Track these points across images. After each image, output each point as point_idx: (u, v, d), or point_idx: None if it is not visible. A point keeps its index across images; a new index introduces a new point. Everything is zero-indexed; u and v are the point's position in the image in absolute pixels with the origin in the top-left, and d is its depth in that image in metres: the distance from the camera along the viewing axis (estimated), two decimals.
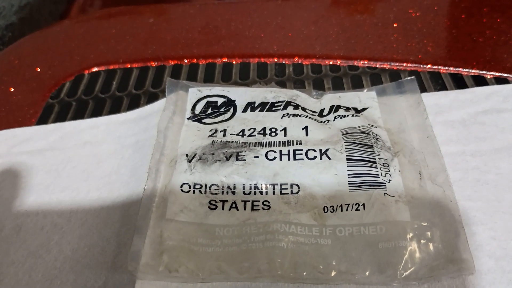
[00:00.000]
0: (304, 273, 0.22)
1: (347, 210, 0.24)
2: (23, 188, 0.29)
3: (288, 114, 0.29)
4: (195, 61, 0.37)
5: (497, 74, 0.32)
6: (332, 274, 0.22)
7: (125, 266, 0.22)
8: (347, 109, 0.29)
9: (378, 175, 0.25)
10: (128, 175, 0.28)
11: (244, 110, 0.29)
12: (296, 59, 0.36)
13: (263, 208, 0.24)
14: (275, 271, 0.22)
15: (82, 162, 0.30)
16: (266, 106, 0.29)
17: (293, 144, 0.26)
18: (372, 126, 0.28)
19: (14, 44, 0.43)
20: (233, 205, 0.24)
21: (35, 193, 0.29)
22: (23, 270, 0.25)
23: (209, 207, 0.24)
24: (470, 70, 0.32)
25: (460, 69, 0.33)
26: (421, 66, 0.33)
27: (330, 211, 0.24)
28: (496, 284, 0.21)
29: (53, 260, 0.25)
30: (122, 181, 0.28)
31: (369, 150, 0.26)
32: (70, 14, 0.61)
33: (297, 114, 0.29)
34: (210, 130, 0.28)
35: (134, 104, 0.34)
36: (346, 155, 0.25)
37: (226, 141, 0.27)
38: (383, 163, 0.25)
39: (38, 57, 0.41)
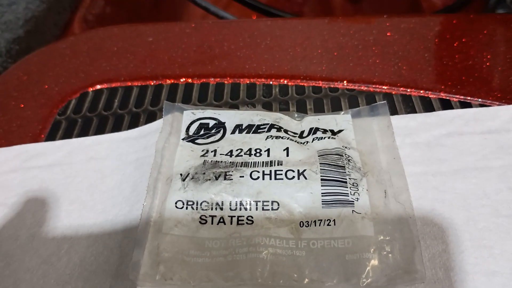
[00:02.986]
0: (281, 281, 0.26)
1: (320, 225, 0.27)
2: (35, 200, 0.33)
3: (271, 136, 0.32)
4: (190, 80, 0.40)
5: (461, 98, 0.35)
6: (305, 282, 0.26)
7: (127, 275, 0.26)
8: (325, 131, 0.33)
9: (348, 194, 0.28)
10: (129, 191, 0.31)
11: (233, 132, 0.33)
12: (282, 80, 0.39)
13: (247, 223, 0.28)
14: (256, 279, 0.26)
15: (88, 177, 0.33)
16: (252, 128, 0.33)
17: (275, 165, 0.30)
18: (346, 147, 0.31)
19: (22, 60, 0.46)
20: (221, 220, 0.28)
21: (46, 205, 0.32)
22: (37, 276, 0.28)
23: (200, 222, 0.28)
24: (438, 94, 0.36)
25: (429, 93, 0.36)
26: (395, 88, 0.37)
27: (305, 226, 0.28)
28: None
29: (63, 267, 0.28)
30: (124, 196, 0.31)
31: (341, 171, 0.29)
32: (73, 23, 0.65)
33: (280, 136, 0.32)
34: (202, 150, 0.32)
35: (134, 121, 0.38)
36: (321, 176, 0.29)
37: (216, 161, 0.31)
38: (353, 183, 0.29)
39: (45, 73, 0.44)
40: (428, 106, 0.35)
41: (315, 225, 0.28)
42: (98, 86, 0.41)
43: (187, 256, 0.27)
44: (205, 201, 0.28)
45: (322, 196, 0.28)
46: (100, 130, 0.37)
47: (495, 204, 0.28)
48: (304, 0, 1.07)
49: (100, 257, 0.28)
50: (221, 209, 0.28)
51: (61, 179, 0.34)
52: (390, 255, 0.26)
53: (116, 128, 0.37)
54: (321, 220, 0.28)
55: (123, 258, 0.28)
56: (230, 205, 0.28)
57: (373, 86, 0.37)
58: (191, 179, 0.29)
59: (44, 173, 0.34)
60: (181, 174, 0.30)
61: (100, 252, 0.29)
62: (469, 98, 0.35)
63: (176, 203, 0.28)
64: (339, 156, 0.30)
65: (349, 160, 0.30)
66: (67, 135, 0.37)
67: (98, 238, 0.29)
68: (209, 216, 0.28)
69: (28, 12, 0.56)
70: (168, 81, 0.40)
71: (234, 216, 0.28)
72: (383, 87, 0.37)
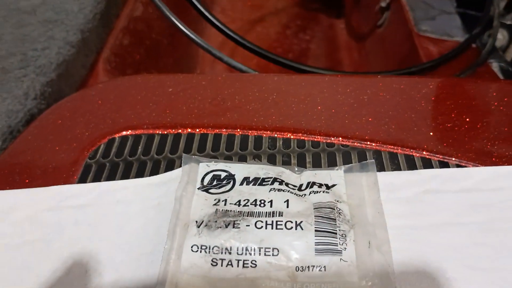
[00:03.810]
0: None
1: (312, 271, 0.33)
2: (69, 237, 0.38)
3: (274, 188, 0.38)
4: (205, 131, 0.46)
5: (441, 157, 0.41)
6: None
7: None
8: (320, 185, 0.38)
9: (337, 244, 0.33)
10: (152, 233, 0.37)
11: (241, 183, 0.38)
12: (286, 134, 0.44)
13: (251, 266, 0.33)
14: None
15: (116, 219, 0.39)
16: (258, 181, 0.38)
17: (276, 215, 0.35)
18: (338, 201, 0.37)
19: (56, 105, 0.52)
20: (229, 263, 0.33)
21: (79, 242, 0.38)
22: None
23: (211, 264, 0.33)
24: (421, 153, 0.41)
25: (413, 151, 0.41)
26: (383, 146, 0.42)
27: (300, 271, 0.33)
28: None
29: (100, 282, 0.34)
30: (147, 238, 0.37)
31: (332, 223, 0.35)
32: (98, 64, 0.71)
33: (281, 189, 0.37)
34: (215, 199, 0.37)
35: (155, 167, 0.43)
36: (315, 227, 0.34)
37: (226, 210, 0.36)
38: (342, 234, 0.34)
39: (77, 118, 0.50)
40: (411, 164, 0.40)
41: (309, 270, 0.33)
42: (124, 133, 0.47)
43: None
44: (216, 246, 0.34)
45: (315, 245, 0.33)
46: (125, 174, 0.43)
47: (462, 257, 0.33)
48: (311, 37, 1.14)
49: (129, 282, 0.34)
50: (230, 253, 0.34)
51: (92, 218, 0.39)
52: None
53: (140, 173, 0.43)
54: (314, 266, 0.33)
55: (145, 284, 0.33)
56: (238, 250, 0.34)
57: (365, 143, 0.43)
58: (205, 226, 0.35)
59: (78, 213, 0.40)
60: (196, 221, 0.35)
61: (129, 281, 0.34)
62: (447, 158, 0.40)
63: (192, 247, 0.34)
64: (331, 210, 0.36)
65: (339, 213, 0.36)
66: (97, 177, 0.43)
67: (124, 274, 0.35)
68: (220, 259, 0.33)
69: (60, 56, 0.62)
70: (186, 131, 0.46)
71: (241, 260, 0.33)
72: (373, 144, 0.42)
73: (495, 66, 0.77)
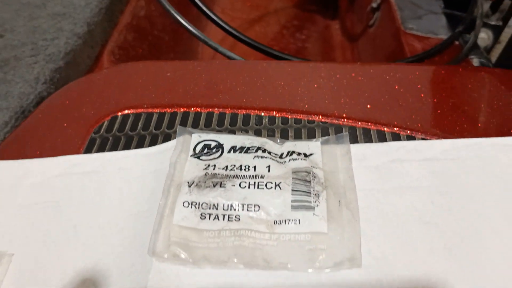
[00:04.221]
0: (258, 263, 0.36)
1: (288, 224, 0.37)
2: (76, 199, 0.43)
3: (258, 156, 0.42)
4: (198, 110, 0.51)
5: (408, 132, 0.45)
6: (274, 264, 0.36)
7: (147, 253, 0.36)
8: (299, 154, 0.43)
9: (311, 201, 0.38)
10: (149, 195, 0.42)
11: (229, 151, 0.43)
12: (271, 112, 0.49)
13: (235, 220, 0.38)
14: (240, 261, 0.36)
15: (118, 183, 0.44)
16: (244, 149, 0.43)
17: (258, 178, 0.40)
18: (314, 167, 0.41)
19: (64, 87, 0.57)
20: (216, 217, 0.38)
21: (85, 203, 0.42)
22: (82, 255, 0.38)
23: (200, 217, 0.38)
24: (391, 128, 0.46)
25: (384, 127, 0.46)
26: (358, 123, 0.47)
27: (278, 224, 0.38)
28: (372, 275, 0.34)
29: (101, 247, 0.38)
30: (145, 197, 0.41)
31: (307, 184, 0.39)
32: (103, 55, 0.76)
33: (264, 157, 0.42)
34: (205, 165, 0.42)
35: (154, 140, 0.48)
36: (292, 187, 0.39)
37: (215, 173, 0.41)
38: (316, 193, 0.39)
39: (83, 99, 0.55)
40: (382, 138, 0.45)
41: (285, 223, 0.37)
42: (126, 111, 0.52)
43: (190, 242, 0.37)
44: (205, 203, 0.39)
45: (291, 202, 0.38)
46: (126, 147, 0.48)
47: (419, 214, 0.38)
48: (307, 37, 1.19)
49: (125, 241, 0.38)
50: (216, 209, 0.38)
51: (97, 183, 0.44)
52: (338, 247, 0.36)
53: (139, 145, 0.48)
54: (290, 219, 0.38)
55: (144, 242, 0.38)
56: (223, 206, 0.38)
57: (342, 120, 0.47)
58: (195, 186, 0.40)
59: (84, 178, 0.45)
60: (188, 182, 0.40)
61: (126, 237, 0.39)
62: (414, 133, 0.45)
63: (183, 203, 0.39)
64: (307, 173, 0.40)
65: (314, 177, 0.40)
66: (101, 149, 0.48)
67: (126, 226, 0.40)
68: (207, 213, 0.38)
69: (68, 46, 0.67)
70: (181, 110, 0.51)
71: (226, 215, 0.38)
72: (349, 121, 0.47)
73: (475, 61, 0.81)
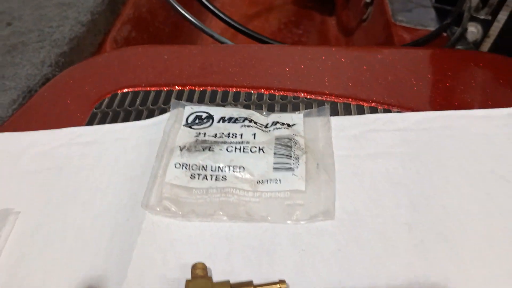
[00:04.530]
0: (241, 216, 0.39)
1: (269, 183, 0.41)
2: (78, 166, 0.47)
3: (245, 125, 0.46)
4: (193, 88, 0.55)
5: (386, 107, 0.49)
6: (256, 217, 0.39)
7: (140, 208, 0.40)
8: (283, 124, 0.46)
9: (291, 163, 0.42)
10: (144, 159, 0.45)
11: (218, 121, 0.47)
12: (260, 90, 0.53)
13: (222, 179, 0.42)
14: (225, 214, 0.39)
15: (115, 151, 0.47)
16: (232, 120, 0.47)
17: (244, 143, 0.44)
18: (295, 135, 0.45)
19: (69, 69, 0.61)
20: (205, 177, 0.42)
21: (85, 169, 0.46)
22: (80, 211, 0.42)
23: (190, 177, 0.42)
24: (370, 103, 0.49)
25: (364, 103, 0.50)
26: (340, 99, 0.51)
27: (260, 183, 0.41)
28: (343, 227, 0.38)
29: (99, 204, 0.42)
30: (140, 163, 0.45)
31: (288, 149, 0.43)
32: (106, 43, 0.80)
33: (251, 126, 0.46)
34: (196, 133, 0.46)
35: (150, 115, 0.52)
36: (274, 151, 0.43)
37: (205, 140, 0.45)
38: (296, 157, 0.43)
39: (86, 79, 0.59)
40: (361, 112, 0.49)
41: (267, 183, 0.41)
42: (125, 90, 0.56)
43: (180, 198, 0.40)
44: (195, 164, 0.42)
45: (273, 164, 0.42)
46: (125, 120, 0.51)
47: (390, 176, 0.41)
48: (303, 32, 1.23)
49: (121, 200, 0.42)
50: (205, 170, 0.42)
51: (96, 152, 0.48)
52: (314, 203, 0.40)
53: (137, 119, 0.51)
54: (271, 179, 0.41)
55: (138, 201, 0.41)
56: (211, 168, 0.42)
57: (325, 96, 0.51)
58: (187, 149, 0.43)
59: (84, 148, 0.49)
60: (180, 147, 0.44)
61: (122, 198, 0.42)
62: (391, 107, 0.49)
63: (175, 165, 0.42)
64: (289, 140, 0.44)
65: (295, 143, 0.44)
66: (101, 123, 0.52)
67: (123, 186, 0.43)
68: (197, 174, 0.42)
69: (72, 33, 0.71)
70: (177, 88, 0.55)
71: (213, 175, 0.42)
72: (332, 97, 0.51)
73: None
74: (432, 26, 0.91)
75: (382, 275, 0.34)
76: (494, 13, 0.97)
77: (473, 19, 0.96)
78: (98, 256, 0.38)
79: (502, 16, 0.96)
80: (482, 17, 0.96)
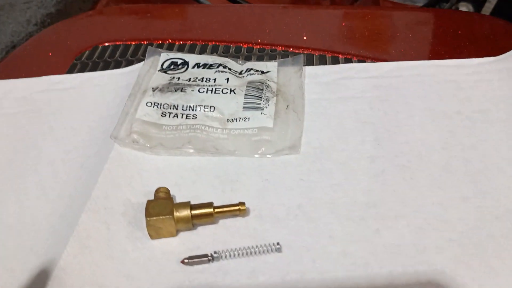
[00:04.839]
0: (208, 149, 0.40)
1: (238, 121, 0.42)
2: (58, 108, 0.47)
3: (219, 71, 0.47)
4: (172, 41, 0.55)
5: (360, 58, 0.50)
6: (224, 151, 0.40)
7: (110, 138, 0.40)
8: (256, 71, 0.47)
9: (261, 104, 0.42)
10: (119, 100, 0.46)
11: (193, 67, 0.47)
12: (238, 43, 0.54)
13: (192, 118, 0.42)
14: (193, 147, 0.40)
15: (92, 95, 0.48)
16: (207, 66, 0.47)
17: (217, 86, 0.45)
18: (268, 80, 0.46)
19: (52, 26, 0.62)
20: (175, 115, 0.42)
21: (64, 111, 0.47)
22: (60, 144, 0.43)
23: (161, 115, 0.42)
24: (345, 55, 0.50)
25: (339, 55, 0.50)
26: (316, 51, 0.51)
27: (230, 121, 0.42)
28: (307, 159, 0.39)
29: (73, 137, 0.43)
30: (115, 103, 0.46)
31: (259, 91, 0.44)
32: (96, 8, 0.81)
33: (224, 71, 0.47)
34: (170, 77, 0.46)
35: (129, 64, 0.52)
36: (245, 93, 0.43)
37: (178, 82, 0.45)
38: (266, 98, 0.43)
39: (69, 34, 0.59)
40: (336, 63, 0.49)
41: (237, 121, 0.42)
42: (106, 44, 0.57)
43: (149, 132, 0.41)
44: (166, 104, 0.43)
45: (243, 104, 0.43)
46: (104, 70, 0.52)
47: (358, 116, 0.42)
48: None
49: (94, 136, 0.43)
50: (176, 109, 0.43)
51: (74, 96, 0.49)
52: (281, 139, 0.40)
53: (116, 68, 0.52)
54: (240, 117, 0.42)
55: (110, 133, 0.42)
56: (182, 107, 0.43)
57: (301, 49, 0.52)
58: (159, 90, 0.44)
59: (63, 93, 0.49)
60: (152, 88, 0.45)
61: (95, 134, 0.43)
62: (365, 58, 0.49)
63: (147, 103, 0.43)
64: (261, 83, 0.45)
65: (267, 86, 0.45)
66: (80, 72, 0.52)
67: (97, 125, 0.44)
68: (168, 112, 0.43)
69: None
70: (156, 42, 0.56)
71: (184, 114, 0.43)
72: (309, 50, 0.51)
73: None
74: (421, 3, 0.92)
75: (341, 200, 0.35)
76: None
77: None
78: (67, 184, 0.38)
79: None
80: None
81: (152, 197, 0.36)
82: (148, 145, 0.40)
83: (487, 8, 0.97)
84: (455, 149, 0.37)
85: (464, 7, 0.95)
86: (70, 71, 0.53)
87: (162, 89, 0.44)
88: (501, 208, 0.33)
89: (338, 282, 0.29)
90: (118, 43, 0.56)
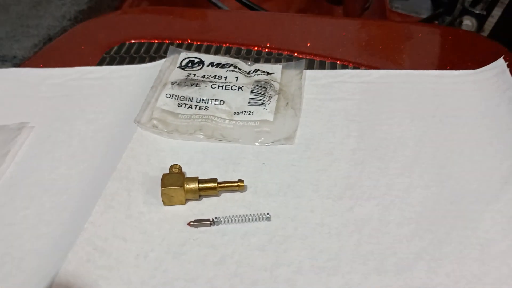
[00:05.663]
0: (216, 136, 0.47)
1: (244, 114, 0.49)
2: (89, 95, 0.55)
3: (230, 70, 0.54)
4: (191, 42, 0.62)
5: (356, 65, 0.56)
6: (229, 138, 0.47)
7: (133, 122, 0.48)
8: (263, 72, 0.54)
9: (264, 100, 0.49)
10: (142, 90, 0.53)
11: (208, 66, 0.55)
12: (249, 47, 0.61)
13: (204, 109, 0.49)
14: (204, 133, 0.47)
15: (118, 85, 0.55)
16: (220, 65, 0.54)
17: (227, 83, 0.52)
18: (272, 80, 0.53)
19: (85, 22, 0.70)
20: (190, 106, 0.49)
21: (94, 97, 0.54)
22: (87, 124, 0.50)
23: (178, 106, 0.49)
24: (342, 62, 0.57)
25: (337, 61, 0.57)
26: (317, 57, 0.58)
27: (236, 114, 0.49)
28: (299, 149, 0.45)
29: (106, 121, 0.50)
30: (138, 92, 0.53)
31: (264, 89, 0.50)
32: (122, 7, 0.88)
33: (235, 71, 0.54)
34: (187, 73, 0.54)
35: (152, 60, 0.60)
36: (251, 90, 0.50)
37: (194, 78, 0.52)
38: (269, 96, 0.50)
39: (100, 31, 0.67)
40: (333, 68, 0.56)
41: (242, 114, 0.49)
42: (132, 41, 0.64)
43: (167, 119, 0.48)
44: (183, 96, 0.50)
45: (249, 100, 0.49)
46: (130, 63, 0.60)
47: (346, 114, 0.49)
48: None
49: (119, 118, 0.50)
50: (191, 101, 0.50)
51: (103, 85, 0.56)
52: (279, 131, 0.47)
53: (140, 63, 0.59)
54: (245, 111, 0.49)
55: (133, 117, 0.49)
56: (196, 100, 0.50)
57: (304, 55, 0.59)
58: (177, 84, 0.51)
59: (93, 82, 0.57)
60: (171, 82, 0.52)
61: (121, 117, 0.50)
62: (360, 66, 0.56)
63: (166, 95, 0.50)
64: (266, 83, 0.52)
65: (271, 86, 0.51)
66: (109, 65, 0.60)
67: (122, 109, 0.51)
68: (184, 103, 0.50)
69: None
70: (177, 41, 0.63)
71: (197, 105, 0.50)
72: (311, 56, 0.58)
73: None
74: (426, 15, 0.98)
75: (324, 182, 0.41)
76: (489, 9, 1.02)
77: (468, 12, 1.01)
78: (95, 157, 0.46)
79: (496, 12, 1.01)
80: (477, 11, 1.02)
81: (167, 172, 0.43)
82: (165, 130, 0.47)
83: (490, 23, 1.02)
84: (425, 146, 0.44)
85: (467, 21, 1.01)
86: (100, 63, 0.60)
87: (180, 84, 0.51)
88: (457, 195, 0.39)
89: (314, 245, 0.36)
90: (142, 41, 0.64)
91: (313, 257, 0.35)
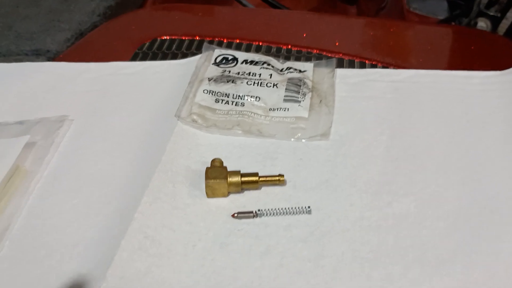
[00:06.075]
0: (253, 132, 0.49)
1: (279, 110, 0.50)
2: (123, 90, 0.56)
3: (264, 67, 0.55)
4: (221, 39, 0.64)
5: (385, 64, 0.58)
6: (266, 134, 0.49)
7: (173, 117, 0.49)
8: (295, 69, 0.55)
9: (298, 97, 0.51)
10: (178, 85, 0.55)
11: (242, 63, 0.56)
12: (279, 45, 0.62)
13: (240, 105, 0.51)
14: (241, 128, 0.49)
15: (153, 80, 0.57)
16: (253, 63, 0.56)
17: (262, 80, 0.53)
18: (305, 78, 0.54)
19: (116, 18, 0.71)
20: (227, 102, 0.51)
21: (129, 92, 0.56)
22: (124, 114, 0.52)
23: (215, 101, 0.51)
24: (371, 61, 0.58)
25: (366, 60, 0.59)
26: (347, 56, 0.59)
27: (272, 110, 0.50)
28: (335, 145, 0.47)
29: (142, 115, 0.52)
30: (173, 88, 0.55)
31: (298, 86, 0.52)
32: (147, 2, 0.90)
33: (268, 68, 0.55)
34: (222, 70, 0.55)
35: (184, 57, 0.61)
36: (285, 87, 0.52)
37: (229, 75, 0.54)
38: (303, 93, 0.52)
39: (131, 26, 0.68)
40: (363, 67, 0.58)
41: (277, 110, 0.50)
42: (164, 37, 0.65)
43: (205, 115, 0.50)
44: (220, 92, 0.52)
45: (284, 97, 0.51)
46: (163, 59, 0.61)
47: (378, 112, 0.50)
48: None
49: (157, 113, 0.52)
50: (228, 96, 0.51)
51: (137, 80, 0.57)
52: (314, 127, 0.49)
53: (173, 59, 0.61)
54: (281, 107, 0.50)
55: (171, 114, 0.51)
56: (233, 95, 0.51)
57: (333, 54, 0.60)
58: (214, 80, 0.53)
59: (128, 77, 0.58)
60: (208, 78, 0.53)
61: (159, 112, 0.52)
62: (389, 65, 0.58)
63: (203, 91, 0.52)
64: (299, 80, 0.53)
65: (304, 83, 0.53)
66: (142, 60, 0.61)
67: (159, 104, 0.53)
68: (221, 99, 0.51)
69: None
70: (207, 38, 0.64)
71: (234, 101, 0.51)
72: (340, 55, 0.60)
73: None
74: (442, 16, 0.99)
75: (360, 178, 0.43)
76: (504, 11, 1.03)
77: (483, 14, 1.02)
78: (136, 150, 0.47)
79: (510, 14, 1.03)
80: (491, 13, 1.03)
81: (207, 165, 0.44)
82: (204, 125, 0.49)
83: (504, 25, 1.03)
84: (456, 145, 0.46)
85: (482, 22, 1.02)
86: (133, 59, 0.62)
87: (216, 80, 0.53)
88: (492, 192, 0.41)
89: (355, 237, 0.38)
90: (174, 37, 0.65)
91: (355, 249, 0.37)
